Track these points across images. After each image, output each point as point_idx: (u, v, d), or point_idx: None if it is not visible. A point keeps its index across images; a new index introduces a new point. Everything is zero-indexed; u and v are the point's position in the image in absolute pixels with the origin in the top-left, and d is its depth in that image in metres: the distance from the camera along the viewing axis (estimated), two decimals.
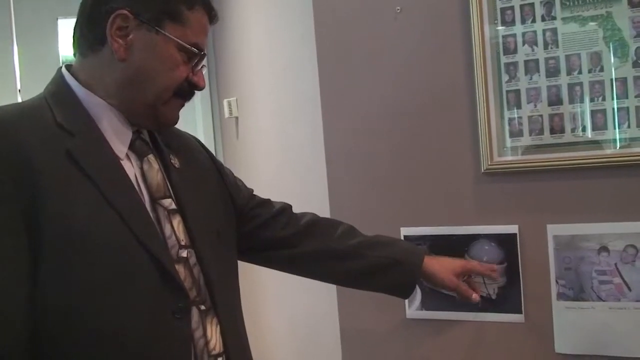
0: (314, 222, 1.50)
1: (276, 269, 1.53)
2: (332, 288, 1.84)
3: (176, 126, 1.30)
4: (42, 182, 1.05)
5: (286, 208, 1.51)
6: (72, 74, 1.19)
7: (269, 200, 1.52)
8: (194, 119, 2.83)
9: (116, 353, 1.08)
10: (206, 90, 2.81)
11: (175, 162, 1.26)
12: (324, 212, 1.72)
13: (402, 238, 1.74)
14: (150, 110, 1.18)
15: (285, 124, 2.30)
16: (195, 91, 1.23)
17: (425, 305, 1.74)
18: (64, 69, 1.20)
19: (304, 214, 1.51)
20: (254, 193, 1.52)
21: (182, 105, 1.24)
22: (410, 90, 1.73)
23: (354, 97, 1.79)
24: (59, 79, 1.19)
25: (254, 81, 2.60)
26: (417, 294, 1.70)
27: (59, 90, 1.17)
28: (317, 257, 1.47)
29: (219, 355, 1.18)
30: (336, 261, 1.47)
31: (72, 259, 1.05)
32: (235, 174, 1.50)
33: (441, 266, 1.50)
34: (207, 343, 1.16)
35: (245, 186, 1.50)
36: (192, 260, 1.19)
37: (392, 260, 1.46)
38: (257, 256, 1.49)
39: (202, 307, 1.18)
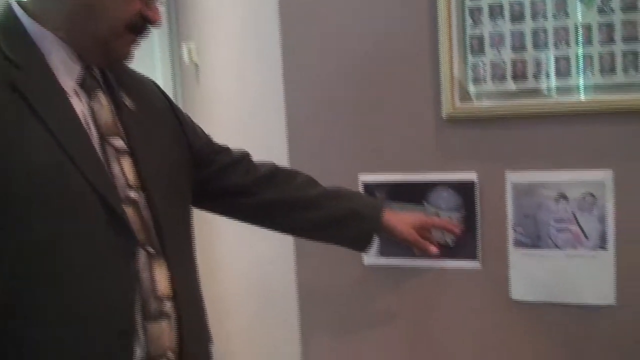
0: (274, 171, 1.49)
1: (234, 218, 1.52)
2: (289, 240, 1.83)
3: (135, 69, 1.29)
4: None
5: (245, 156, 1.50)
6: (22, 6, 1.15)
7: (227, 147, 1.51)
8: (152, 64, 2.78)
9: (60, 289, 1.07)
10: (165, 33, 2.76)
11: (128, 102, 1.23)
12: (282, 159, 1.74)
13: (360, 185, 1.73)
14: (101, 45, 1.15)
15: (245, 71, 2.27)
16: (151, 27, 1.19)
17: (382, 251, 1.73)
18: (13, 1, 1.16)
19: (263, 163, 1.50)
20: (214, 141, 1.50)
21: (136, 42, 1.20)
22: (372, 34, 1.69)
23: (315, 43, 1.76)
24: (7, 10, 1.15)
25: (213, 26, 2.55)
26: (375, 242, 1.66)
27: (6, 21, 1.14)
28: (276, 206, 1.47)
29: (166, 298, 1.17)
30: (296, 211, 1.47)
31: (15, 192, 1.04)
32: (194, 121, 1.47)
33: (400, 220, 1.51)
34: (154, 286, 1.16)
35: (204, 132, 1.48)
36: (142, 202, 1.17)
37: (352, 212, 1.47)
38: (215, 204, 1.48)
39: (151, 250, 1.16)
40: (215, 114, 2.51)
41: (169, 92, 1.44)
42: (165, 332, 1.16)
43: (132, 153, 1.18)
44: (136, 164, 1.18)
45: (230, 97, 2.40)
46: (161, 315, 1.16)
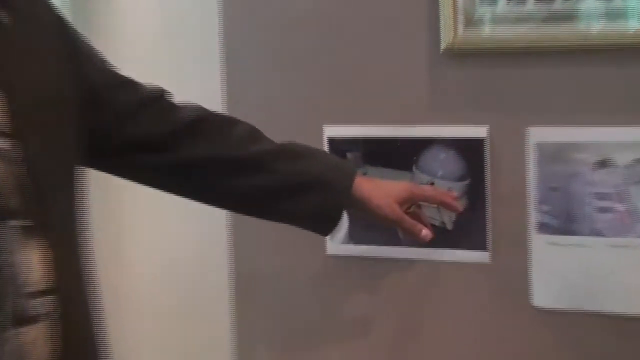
0: (202, 117, 1.32)
1: (144, 183, 1.33)
2: (222, 217, 1.63)
3: None
4: None
5: (161, 94, 1.31)
6: None
7: (136, 81, 1.30)
8: None
9: None
10: None
11: (4, 16, 1.07)
12: (218, 105, 1.56)
13: (325, 141, 1.53)
14: None
15: None
16: None
17: (353, 237, 1.52)
18: None
19: (186, 106, 1.32)
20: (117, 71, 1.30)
21: None
22: None
23: None
24: None
25: None
26: (343, 221, 1.50)
27: None
28: (203, 167, 1.30)
29: (44, 292, 1.01)
30: (232, 175, 1.30)
31: None
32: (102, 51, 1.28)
33: (379, 189, 1.35)
34: (24, 273, 1.00)
35: (106, 61, 1.29)
36: (15, 155, 1.01)
37: (311, 177, 1.31)
38: (117, 162, 1.29)
39: (26, 223, 1.01)
40: (130, 46, 2.26)
41: (66, 13, 1.29)
42: (40, 339, 0.99)
43: (3, 86, 1.03)
44: (7, 101, 1.02)
45: (153, 22, 2.18)
46: (36, 316, 1.00)
